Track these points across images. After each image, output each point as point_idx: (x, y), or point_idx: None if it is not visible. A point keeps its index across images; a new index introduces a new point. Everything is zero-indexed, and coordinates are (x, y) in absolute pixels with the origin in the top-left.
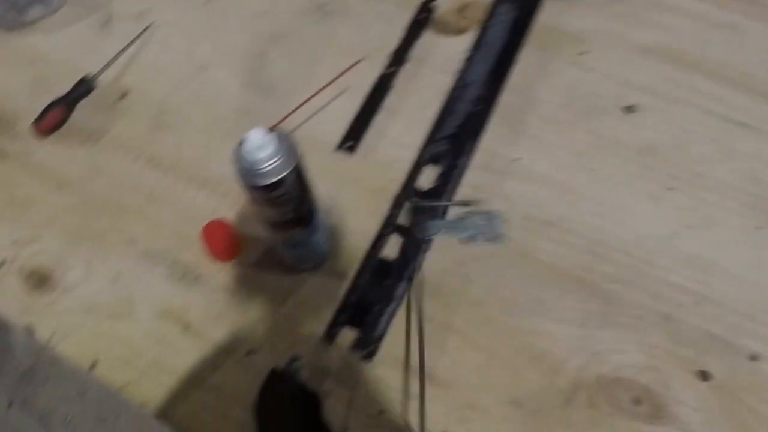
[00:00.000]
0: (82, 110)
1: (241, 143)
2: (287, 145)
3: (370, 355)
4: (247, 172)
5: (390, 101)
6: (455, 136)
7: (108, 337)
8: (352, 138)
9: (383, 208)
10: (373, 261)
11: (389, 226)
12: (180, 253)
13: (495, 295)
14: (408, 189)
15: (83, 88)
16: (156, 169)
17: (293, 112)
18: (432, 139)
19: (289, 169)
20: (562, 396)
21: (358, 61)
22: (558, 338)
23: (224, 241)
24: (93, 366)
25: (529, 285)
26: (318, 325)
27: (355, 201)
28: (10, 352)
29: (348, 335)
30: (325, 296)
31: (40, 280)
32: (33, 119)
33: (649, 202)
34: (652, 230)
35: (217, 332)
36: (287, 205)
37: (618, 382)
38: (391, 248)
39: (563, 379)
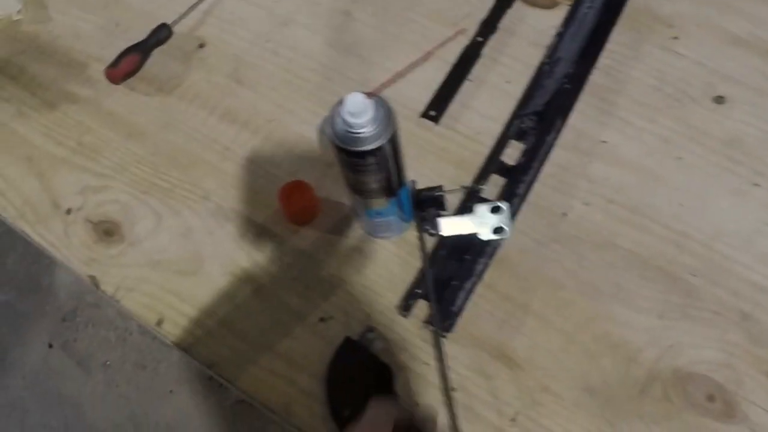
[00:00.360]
0: (156, 58)
1: (339, 105)
2: (386, 112)
3: (446, 330)
4: (344, 136)
5: (476, 71)
6: (543, 112)
7: (175, 294)
8: (437, 107)
9: (464, 180)
10: (453, 235)
11: (472, 200)
12: (254, 213)
13: (575, 279)
14: (493, 163)
15: (161, 34)
16: (231, 124)
17: (392, 79)
18: (518, 114)
19: (387, 138)
20: (636, 386)
21: (460, 31)
22: (636, 327)
23: (302, 204)
24: (159, 323)
25: (611, 271)
26: (394, 296)
27: (437, 172)
28: (53, 293)
29: (424, 309)
30: (403, 267)
31: (106, 231)
32: (104, 64)
33: (733, 196)
34: (735, 225)
35: (290, 297)
36: (378, 174)
37: (693, 377)
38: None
39: (639, 370)
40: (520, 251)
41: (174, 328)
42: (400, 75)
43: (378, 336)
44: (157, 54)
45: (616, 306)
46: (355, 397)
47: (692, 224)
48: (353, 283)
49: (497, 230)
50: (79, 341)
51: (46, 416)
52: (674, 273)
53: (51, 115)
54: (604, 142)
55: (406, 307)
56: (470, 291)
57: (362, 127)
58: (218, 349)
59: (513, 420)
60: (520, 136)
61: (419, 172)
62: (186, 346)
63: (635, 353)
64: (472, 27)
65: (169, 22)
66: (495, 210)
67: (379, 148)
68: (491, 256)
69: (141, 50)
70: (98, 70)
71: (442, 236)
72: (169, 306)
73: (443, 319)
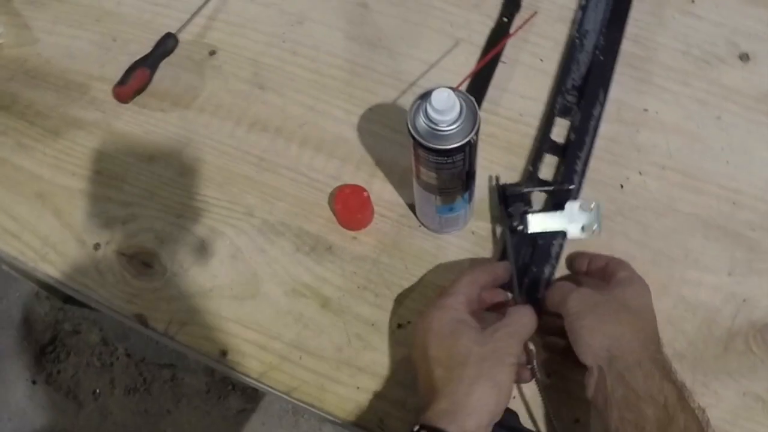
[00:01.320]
0: (165, 71)
1: (424, 99)
2: (469, 106)
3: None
4: (429, 133)
5: (507, 52)
6: (583, 87)
7: (235, 322)
8: (475, 93)
9: (518, 164)
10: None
11: (532, 182)
12: (305, 223)
13: (644, 249)
14: (544, 143)
15: (167, 45)
16: (262, 133)
17: (476, 71)
18: (559, 90)
19: (471, 135)
20: (719, 345)
21: (534, 14)
22: (709, 287)
23: (359, 208)
24: (224, 354)
25: (676, 236)
26: None
27: (489, 158)
28: (27, 327)
29: None
30: (472, 259)
31: (144, 263)
32: (106, 83)
33: None
34: None
35: (361, 307)
36: (457, 170)
37: None
38: (537, 204)
39: (719, 328)
40: None
41: (241, 357)
42: (483, 63)
43: None
44: (165, 66)
45: (687, 270)
46: None
47: (742, 180)
48: (425, 283)
49: (585, 228)
50: (63, 372)
51: None
52: (735, 230)
53: (57, 145)
54: (645, 110)
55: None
56: (551, 275)
57: (451, 124)
58: (295, 372)
59: None
60: (564, 112)
61: None
62: (258, 376)
63: (713, 313)
64: (492, 8)
65: (172, 30)
66: (585, 207)
67: (466, 144)
68: (565, 236)
69: (149, 63)
70: (102, 90)
71: (526, 233)
72: (230, 335)
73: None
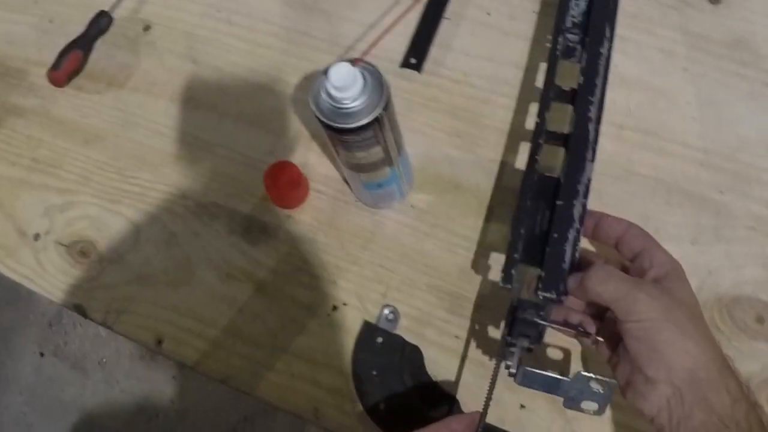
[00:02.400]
0: (101, 50)
1: (322, 79)
2: (376, 79)
3: (564, 294)
4: (332, 112)
5: (452, 8)
6: (586, 24)
7: (170, 309)
8: (416, 54)
9: (462, 128)
10: (530, 179)
11: (540, 133)
12: (239, 204)
13: None
14: (551, 90)
15: (101, 23)
16: (196, 110)
17: (379, 39)
18: (560, 29)
19: (382, 107)
20: None
21: None
22: None
23: (291, 186)
24: (159, 343)
25: (633, 202)
26: (409, 269)
27: (431, 124)
28: (34, 301)
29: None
30: (414, 236)
31: (82, 252)
32: (45, 67)
33: (748, 101)
34: (755, 132)
35: (296, 289)
36: (374, 147)
37: (738, 300)
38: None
39: None
40: None
41: (176, 345)
42: (388, 30)
43: (398, 314)
44: (100, 46)
45: None
46: (388, 387)
47: (710, 137)
48: (362, 263)
49: (596, 408)
50: (69, 344)
51: (52, 427)
52: (701, 193)
53: None
54: None
55: (508, 278)
56: (577, 240)
57: (353, 101)
58: (229, 359)
59: None
60: (568, 54)
61: (411, 128)
62: (193, 363)
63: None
64: None
65: (107, 8)
66: (598, 383)
67: (374, 121)
68: (586, 193)
69: (82, 45)
70: (40, 75)
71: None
72: (166, 322)
73: (555, 282)
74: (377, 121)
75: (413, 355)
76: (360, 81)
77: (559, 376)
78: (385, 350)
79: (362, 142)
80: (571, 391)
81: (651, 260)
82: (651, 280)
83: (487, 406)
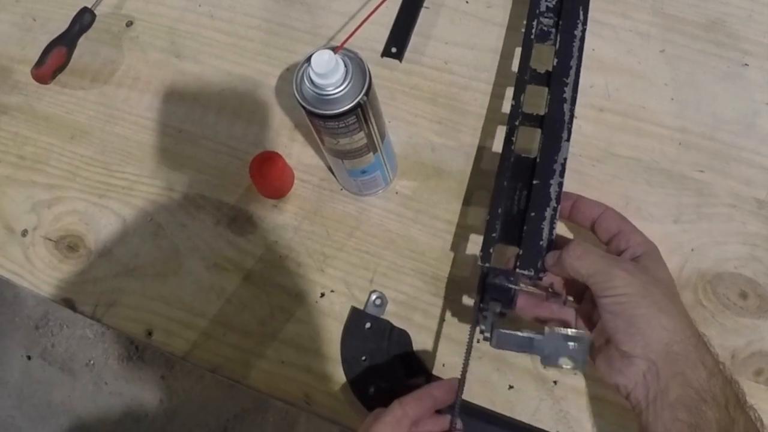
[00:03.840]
0: (84, 47)
1: (305, 67)
2: (357, 65)
3: (542, 271)
4: (315, 99)
5: None
6: (559, 7)
7: (159, 300)
8: (397, 43)
9: (443, 115)
10: (507, 160)
11: (516, 115)
12: (225, 194)
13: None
14: (525, 73)
15: (84, 20)
16: (180, 103)
17: (360, 26)
18: (533, 14)
19: (364, 92)
20: None
21: None
22: (653, 237)
23: (276, 175)
24: (149, 334)
25: (615, 183)
26: (394, 254)
27: (413, 112)
28: (19, 303)
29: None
30: (400, 222)
31: (70, 247)
32: (29, 65)
33: (724, 81)
34: (733, 111)
35: (283, 278)
36: (358, 133)
37: (721, 277)
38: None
39: None
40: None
41: (166, 336)
42: (367, 19)
43: (385, 299)
44: (83, 42)
45: (629, 218)
46: (377, 372)
47: (688, 118)
48: (348, 249)
49: (575, 364)
50: (57, 346)
51: (41, 430)
52: (681, 173)
53: None
54: None
55: (485, 256)
56: (553, 218)
57: (335, 87)
58: (219, 349)
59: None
60: (542, 38)
61: (394, 116)
62: (183, 354)
63: None
64: None
65: (89, 5)
66: (571, 339)
67: (357, 106)
68: (562, 173)
69: (65, 41)
70: (23, 72)
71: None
72: (155, 314)
73: (533, 259)
74: (360, 106)
75: (401, 339)
76: (342, 68)
77: (532, 335)
78: (373, 335)
79: (345, 128)
80: (546, 348)
81: (627, 241)
82: (627, 259)
83: (465, 370)
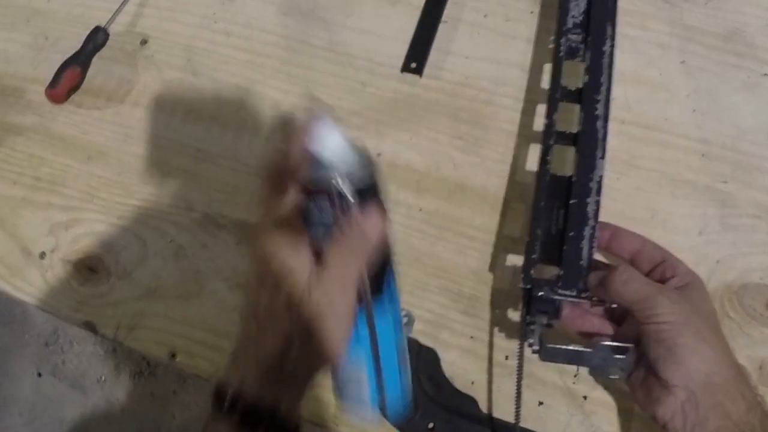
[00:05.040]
0: (98, 66)
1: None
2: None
3: (584, 291)
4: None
5: (449, 11)
6: (587, 23)
7: (182, 322)
8: (416, 58)
9: (464, 131)
10: (543, 180)
11: (550, 134)
12: (245, 213)
13: (606, 212)
14: (556, 89)
15: (97, 39)
16: (198, 122)
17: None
18: (562, 31)
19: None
20: None
21: None
22: (679, 249)
23: None
24: (173, 356)
25: (640, 196)
26: (420, 273)
27: (435, 128)
28: (28, 320)
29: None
30: (423, 239)
31: (89, 269)
32: (41, 84)
33: (745, 91)
34: (754, 121)
35: None
36: None
37: (747, 288)
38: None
39: None
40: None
41: (190, 358)
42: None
43: (412, 317)
44: (97, 61)
45: (654, 231)
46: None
47: (710, 129)
48: None
49: (616, 371)
50: (67, 363)
51: None
52: (705, 184)
53: None
54: None
55: (526, 278)
56: (592, 237)
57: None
58: None
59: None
60: (571, 54)
61: (415, 132)
62: (208, 376)
63: None
64: None
65: (102, 23)
66: (618, 351)
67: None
68: (599, 190)
69: (79, 61)
70: (37, 92)
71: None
72: (178, 336)
73: (574, 280)
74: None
75: (429, 357)
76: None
77: (580, 348)
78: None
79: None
80: (594, 360)
81: (673, 270)
82: (672, 287)
83: (519, 389)
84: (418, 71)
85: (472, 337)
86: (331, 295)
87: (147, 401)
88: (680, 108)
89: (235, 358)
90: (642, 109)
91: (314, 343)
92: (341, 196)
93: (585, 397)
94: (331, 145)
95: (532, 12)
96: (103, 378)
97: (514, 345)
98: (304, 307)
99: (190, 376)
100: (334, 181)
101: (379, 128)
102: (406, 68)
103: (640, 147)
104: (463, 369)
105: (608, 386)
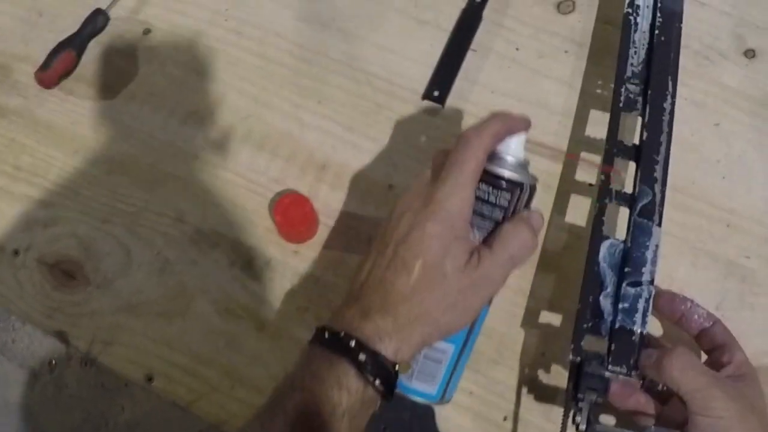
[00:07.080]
0: (94, 52)
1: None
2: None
3: (634, 369)
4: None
5: (479, 39)
6: (646, 75)
7: (162, 343)
8: (440, 86)
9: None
10: (597, 243)
11: (607, 193)
12: (242, 233)
13: None
14: (614, 145)
15: (97, 23)
16: (198, 126)
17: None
18: (622, 79)
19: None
20: None
21: None
22: None
23: (301, 220)
24: (149, 380)
25: (659, 261)
26: None
27: None
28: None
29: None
30: None
31: (67, 273)
32: (30, 64)
33: None
34: None
35: (301, 331)
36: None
37: (762, 370)
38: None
39: None
40: (565, 248)
41: (167, 383)
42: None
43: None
44: (93, 47)
45: None
46: None
47: (739, 198)
48: None
49: None
50: (17, 341)
51: None
52: (727, 257)
53: None
54: None
55: (578, 351)
56: (646, 311)
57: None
58: (226, 403)
59: None
60: (629, 107)
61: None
62: (185, 405)
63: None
64: None
65: (103, 6)
66: None
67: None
68: (655, 260)
69: (75, 44)
70: (25, 72)
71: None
72: (157, 357)
73: (625, 356)
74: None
75: (424, 412)
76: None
77: None
78: (394, 406)
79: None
80: None
81: (731, 357)
82: (727, 377)
83: None
84: (440, 101)
85: (470, 393)
86: (495, 275)
87: (96, 391)
88: (710, 173)
89: (357, 297)
90: (671, 169)
91: (458, 309)
92: (521, 192)
93: None
94: (522, 151)
95: (566, 51)
96: (53, 362)
97: (512, 406)
98: (470, 273)
99: None
100: (526, 181)
101: (392, 156)
102: (427, 96)
103: (665, 209)
104: (458, 425)
105: None
